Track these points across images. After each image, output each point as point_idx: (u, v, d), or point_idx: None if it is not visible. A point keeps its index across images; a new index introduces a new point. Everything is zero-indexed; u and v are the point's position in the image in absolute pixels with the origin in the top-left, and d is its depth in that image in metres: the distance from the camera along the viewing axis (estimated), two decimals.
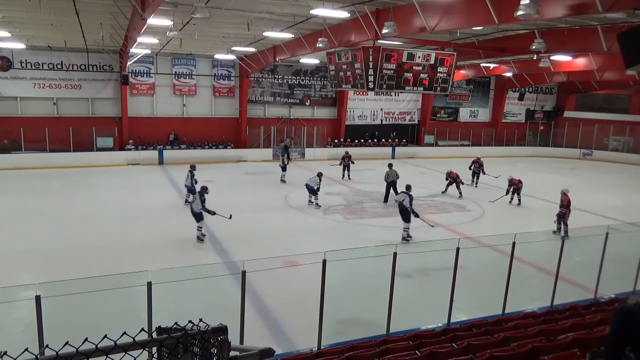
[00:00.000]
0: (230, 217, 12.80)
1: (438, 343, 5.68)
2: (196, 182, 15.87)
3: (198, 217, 12.27)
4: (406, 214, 12.50)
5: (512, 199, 17.78)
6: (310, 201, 16.65)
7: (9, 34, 18.18)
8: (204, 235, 12.41)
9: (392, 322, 7.29)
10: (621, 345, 2.57)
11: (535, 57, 19.07)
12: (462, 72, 26.76)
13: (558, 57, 19.87)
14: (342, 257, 6.86)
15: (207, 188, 12.66)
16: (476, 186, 20.81)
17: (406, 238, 12.52)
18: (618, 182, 24.30)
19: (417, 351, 5.28)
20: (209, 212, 12.26)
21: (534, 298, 9.24)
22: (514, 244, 8.11)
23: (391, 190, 17.46)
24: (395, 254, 7.18)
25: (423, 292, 9.70)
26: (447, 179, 19.09)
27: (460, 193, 18.73)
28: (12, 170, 21.34)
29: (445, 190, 19.20)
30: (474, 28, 15.29)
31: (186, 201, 16.19)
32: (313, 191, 16.46)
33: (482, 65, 25.03)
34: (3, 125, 23.16)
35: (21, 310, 7.31)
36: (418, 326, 7.45)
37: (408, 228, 12.58)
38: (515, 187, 17.57)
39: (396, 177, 17.50)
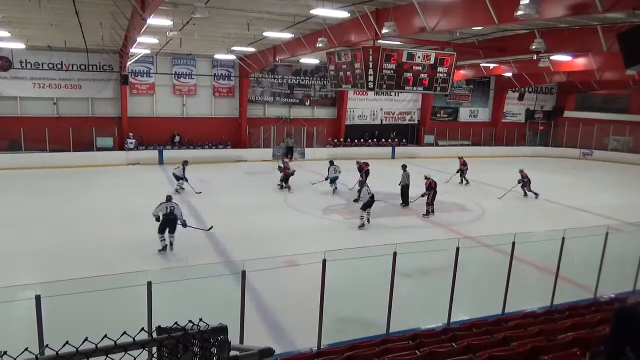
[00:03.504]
0: (211, 229, 12.56)
1: (438, 343, 5.68)
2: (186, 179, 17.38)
3: (175, 227, 11.36)
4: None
5: (525, 193, 18.75)
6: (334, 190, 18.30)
7: (8, 34, 18.16)
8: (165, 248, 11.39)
9: (392, 321, 7.29)
10: (621, 345, 2.58)
11: (535, 57, 19.05)
12: (462, 72, 26.75)
13: (558, 57, 19.87)
14: (341, 257, 6.86)
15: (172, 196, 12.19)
16: (467, 184, 21.11)
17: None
18: (618, 181, 24.29)
19: (417, 351, 5.29)
20: (184, 222, 11.53)
21: (534, 298, 9.25)
22: (513, 243, 8.12)
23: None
24: (395, 254, 7.18)
25: (423, 291, 9.71)
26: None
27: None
28: (12, 170, 21.31)
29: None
30: (473, 28, 15.30)
31: (177, 190, 17.10)
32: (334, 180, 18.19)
33: (482, 65, 25.02)
34: (3, 125, 23.13)
35: (21, 310, 7.30)
36: (418, 326, 7.46)
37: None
38: (524, 180, 18.46)
39: (408, 181, 16.91)
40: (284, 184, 19.01)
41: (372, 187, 19.79)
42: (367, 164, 19.50)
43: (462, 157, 22.03)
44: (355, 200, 16.79)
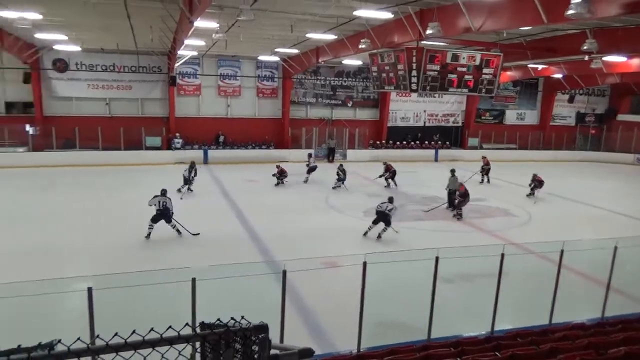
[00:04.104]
0: (197, 234, 12.60)
1: (481, 351, 5.54)
2: (195, 175, 17.52)
3: (168, 217, 12.33)
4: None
5: (532, 194, 18.82)
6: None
7: (65, 38, 19.08)
8: (179, 233, 12.50)
9: (433, 327, 7.17)
10: None
11: (586, 58, 18.30)
12: (509, 73, 26.03)
13: (611, 58, 19.01)
14: (382, 260, 6.81)
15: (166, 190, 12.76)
16: (487, 182, 21.66)
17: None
18: None
19: (459, 358, 5.18)
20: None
21: (583, 309, 8.88)
22: (562, 251, 7.83)
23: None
24: (437, 258, 7.06)
25: (465, 298, 9.49)
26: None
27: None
28: (67, 167, 22.32)
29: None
30: (521, 28, 14.85)
31: (179, 190, 17.10)
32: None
33: (529, 66, 24.26)
34: (59, 124, 24.30)
35: (75, 301, 7.62)
36: (460, 333, 7.30)
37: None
38: (536, 183, 18.59)
39: (457, 186, 16.27)
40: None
41: (414, 189, 19.73)
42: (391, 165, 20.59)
43: (485, 157, 22.85)
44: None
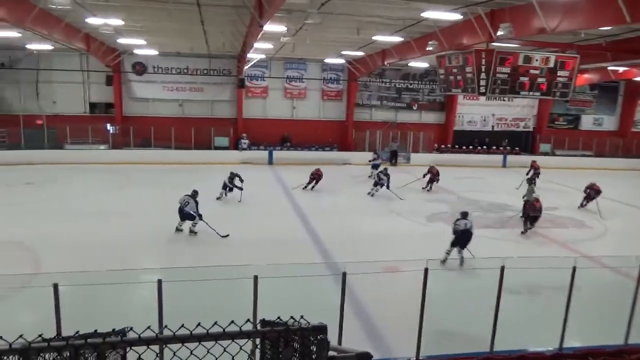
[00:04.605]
0: (226, 236, 12.43)
1: None
2: (234, 184, 16.91)
3: (188, 217, 12.41)
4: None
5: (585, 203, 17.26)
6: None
7: (144, 42, 20.24)
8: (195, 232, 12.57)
9: (497, 339, 6.91)
10: None
11: None
12: (586, 76, 24.60)
13: None
14: (445, 267, 6.66)
15: (197, 192, 12.82)
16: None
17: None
18: None
19: None
20: (199, 216, 12.42)
21: None
22: None
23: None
24: (502, 268, 6.81)
25: (531, 310, 9.08)
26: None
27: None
28: (142, 164, 23.61)
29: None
30: (601, 28, 13.98)
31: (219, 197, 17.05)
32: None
33: (609, 68, 22.79)
34: (136, 124, 25.80)
35: (145, 292, 8.04)
36: (525, 347, 6.99)
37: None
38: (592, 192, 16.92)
39: (532, 196, 15.13)
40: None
41: (479, 195, 19.09)
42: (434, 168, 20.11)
43: (535, 161, 22.37)
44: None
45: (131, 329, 1.97)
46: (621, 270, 9.10)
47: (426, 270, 6.52)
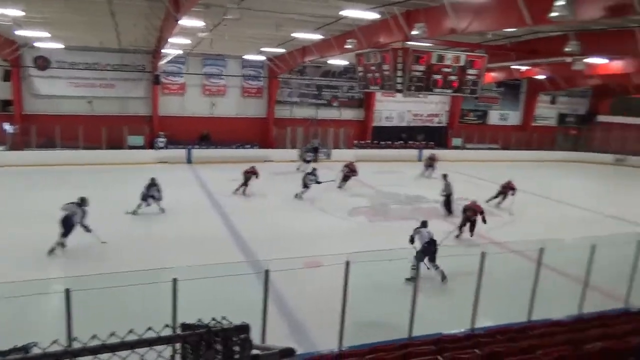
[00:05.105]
0: (104, 243, 11.58)
1: (461, 348, 5.61)
2: (152, 195, 14.71)
3: (70, 229, 11.06)
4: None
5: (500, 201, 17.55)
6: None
7: (48, 35, 18.79)
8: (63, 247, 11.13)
9: (415, 326, 7.24)
10: None
11: (568, 60, 18.59)
12: (493, 74, 26.31)
13: (593, 60, 19.34)
14: (364, 259, 6.85)
15: (85, 199, 11.51)
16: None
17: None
18: None
19: (439, 356, 5.24)
20: (85, 228, 11.26)
21: (562, 306, 9.02)
22: (541, 250, 7.97)
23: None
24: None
25: (447, 296, 9.60)
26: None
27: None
28: (46, 166, 21.96)
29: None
30: (505, 30, 15.03)
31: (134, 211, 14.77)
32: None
33: (513, 67, 24.54)
34: (39, 122, 23.91)
35: (52, 302, 7.53)
36: (441, 331, 7.38)
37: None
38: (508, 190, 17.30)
39: (451, 190, 16.20)
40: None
41: (397, 189, 19.84)
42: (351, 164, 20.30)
43: (434, 154, 24.62)
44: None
45: (36, 344, 1.83)
46: (525, 253, 9.84)
47: (347, 263, 6.67)
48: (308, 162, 23.41)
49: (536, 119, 35.06)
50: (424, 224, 10.55)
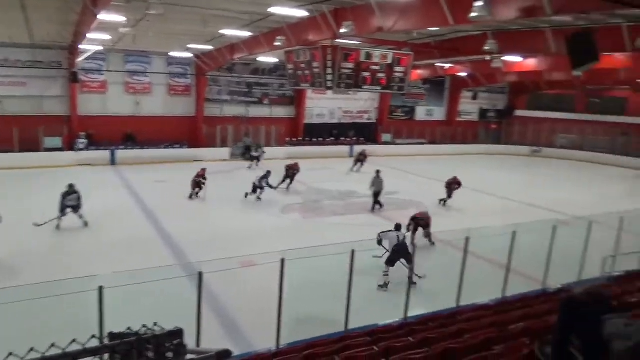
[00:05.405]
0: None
1: (395, 337, 5.77)
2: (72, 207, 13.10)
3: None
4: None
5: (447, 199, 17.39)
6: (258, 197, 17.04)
7: None
8: None
9: (351, 319, 7.36)
10: (568, 333, 2.70)
11: (487, 58, 19.65)
12: (419, 71, 27.19)
13: (509, 58, 20.56)
14: (300, 256, 6.86)
15: None
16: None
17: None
18: (566, 177, 25.45)
19: (375, 346, 5.35)
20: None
21: (488, 291, 9.52)
22: (467, 238, 8.36)
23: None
24: (353, 252, 7.25)
25: (382, 289, 9.82)
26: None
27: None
28: None
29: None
30: (430, 29, 15.61)
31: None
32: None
33: (437, 65, 25.55)
34: None
35: None
36: (376, 322, 7.55)
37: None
38: (454, 186, 17.19)
39: (382, 187, 16.27)
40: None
41: (329, 185, 20.09)
42: (296, 165, 19.45)
43: (365, 150, 25.41)
44: None
45: None
46: (452, 243, 10.30)
47: (282, 261, 6.66)
48: (258, 160, 24.32)
49: (460, 114, 36.77)
50: (397, 227, 10.09)
